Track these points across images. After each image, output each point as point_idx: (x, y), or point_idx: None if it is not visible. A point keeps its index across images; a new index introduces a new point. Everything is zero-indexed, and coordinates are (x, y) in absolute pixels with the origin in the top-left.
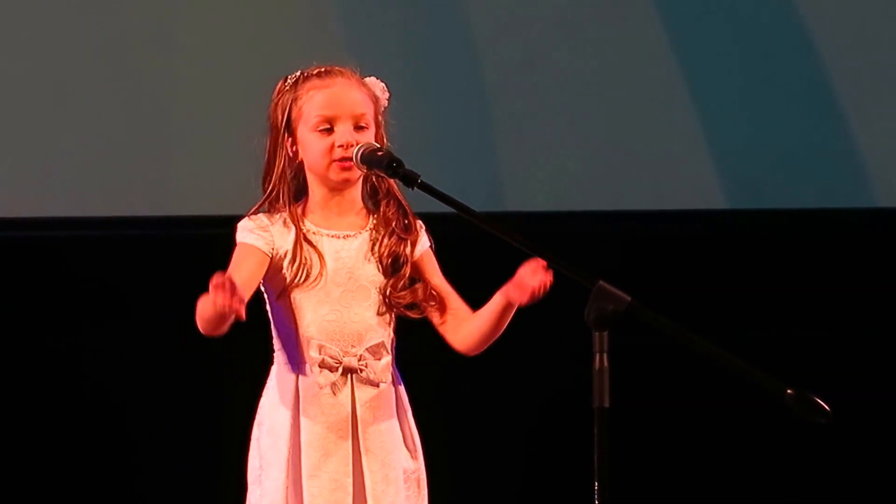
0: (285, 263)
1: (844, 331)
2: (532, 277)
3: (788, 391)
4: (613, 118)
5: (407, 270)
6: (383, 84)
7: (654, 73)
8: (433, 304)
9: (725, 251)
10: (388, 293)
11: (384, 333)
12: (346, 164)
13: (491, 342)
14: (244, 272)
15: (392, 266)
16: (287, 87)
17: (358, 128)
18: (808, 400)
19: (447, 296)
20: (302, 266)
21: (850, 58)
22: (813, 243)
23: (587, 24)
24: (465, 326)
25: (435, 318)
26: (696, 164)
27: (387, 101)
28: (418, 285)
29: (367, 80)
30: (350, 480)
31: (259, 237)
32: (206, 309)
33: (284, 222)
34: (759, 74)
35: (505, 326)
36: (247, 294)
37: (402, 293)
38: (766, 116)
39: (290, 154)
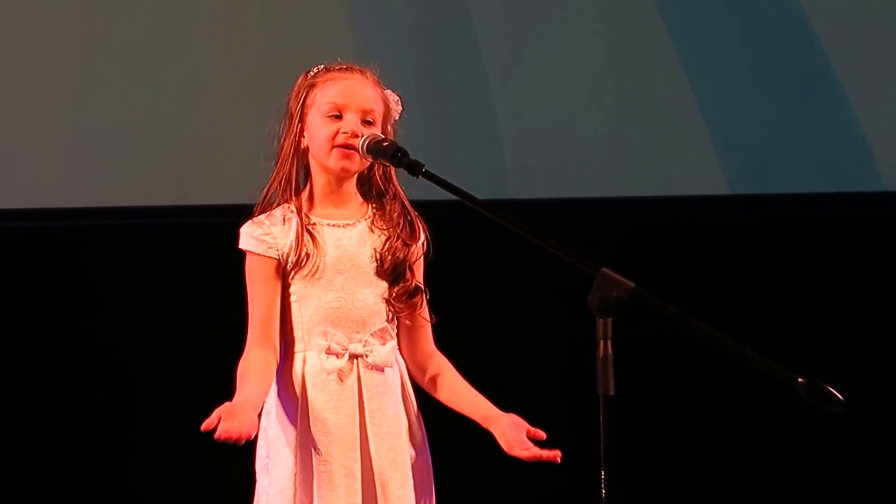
0: (290, 256)
1: (850, 315)
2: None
3: (800, 380)
4: (618, 105)
5: (410, 278)
6: (398, 98)
7: (658, 61)
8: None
9: (730, 237)
10: (391, 300)
11: (388, 319)
12: (347, 151)
13: None
14: (268, 298)
15: (393, 272)
16: (308, 79)
17: (365, 122)
18: (820, 389)
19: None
20: (304, 256)
21: (855, 42)
22: (819, 227)
23: (590, 14)
24: (433, 376)
25: (400, 332)
26: (701, 149)
27: (398, 115)
28: (417, 299)
29: (385, 91)
30: (358, 466)
31: (262, 243)
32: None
33: (284, 218)
34: (763, 59)
35: None
36: (278, 308)
37: (402, 305)
38: (771, 101)
39: (297, 139)
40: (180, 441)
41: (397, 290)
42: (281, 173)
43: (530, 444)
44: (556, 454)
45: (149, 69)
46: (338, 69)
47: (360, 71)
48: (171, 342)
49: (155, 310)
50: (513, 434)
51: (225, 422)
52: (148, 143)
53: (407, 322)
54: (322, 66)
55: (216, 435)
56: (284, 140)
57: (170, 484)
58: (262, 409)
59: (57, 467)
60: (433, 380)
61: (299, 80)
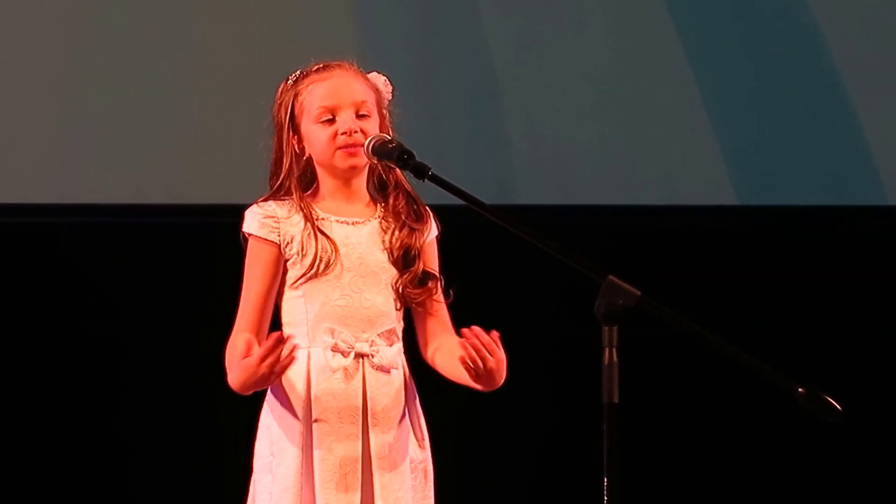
0: (295, 250)
1: (851, 326)
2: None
3: (799, 389)
4: (625, 114)
5: (420, 265)
6: (385, 78)
7: (665, 69)
8: (439, 300)
9: (735, 246)
10: (401, 289)
11: (395, 320)
12: (351, 150)
13: None
14: (263, 284)
15: (403, 259)
16: (288, 87)
17: (359, 115)
18: (819, 398)
19: (439, 316)
20: (313, 252)
21: (858, 55)
22: (822, 240)
23: (599, 21)
24: (442, 359)
25: (419, 327)
26: (707, 160)
27: (390, 95)
28: (432, 282)
29: (370, 75)
30: (359, 465)
31: (264, 225)
32: (250, 374)
33: (293, 208)
34: (768, 72)
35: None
36: (272, 298)
37: (416, 290)
38: (776, 113)
39: (297, 150)
40: (175, 440)
41: (408, 277)
42: (283, 188)
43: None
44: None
45: (141, 63)
46: (316, 70)
47: (339, 66)
48: (162, 342)
49: (145, 309)
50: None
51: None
52: (140, 140)
53: (420, 310)
54: (299, 71)
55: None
56: (281, 153)
57: (165, 482)
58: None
59: (49, 466)
60: (440, 355)
61: (280, 90)
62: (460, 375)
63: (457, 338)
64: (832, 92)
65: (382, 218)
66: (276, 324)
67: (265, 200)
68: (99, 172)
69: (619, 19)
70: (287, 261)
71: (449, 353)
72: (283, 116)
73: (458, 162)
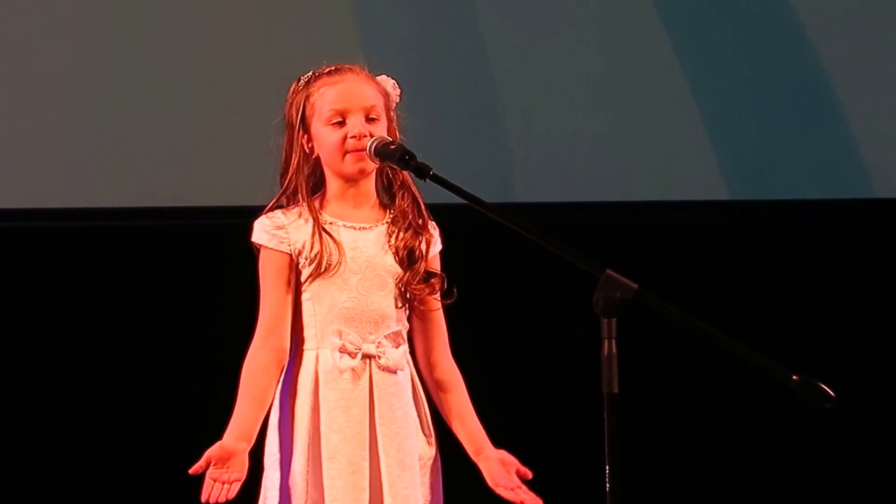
0: (304, 255)
1: (841, 317)
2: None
3: (794, 377)
4: (621, 112)
5: (422, 265)
6: (394, 81)
7: (659, 70)
8: (445, 300)
9: (729, 240)
10: (405, 286)
11: (401, 322)
12: (360, 154)
13: None
14: (278, 294)
15: (408, 259)
16: (300, 87)
17: (369, 119)
18: (813, 386)
19: (433, 319)
20: (321, 255)
21: (848, 53)
22: (812, 233)
23: (595, 22)
24: (443, 390)
25: (415, 329)
26: (701, 156)
27: (398, 98)
28: (435, 280)
29: (379, 78)
30: (367, 464)
31: (274, 237)
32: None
33: (300, 215)
34: (760, 69)
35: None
36: (290, 304)
37: (419, 286)
38: (768, 111)
39: (307, 150)
40: (187, 439)
41: (412, 274)
42: (291, 185)
43: (515, 485)
44: (538, 502)
45: (148, 67)
46: (328, 73)
47: (350, 69)
48: (170, 348)
49: (152, 314)
50: (499, 472)
51: (215, 469)
52: (146, 143)
53: (421, 321)
54: (311, 73)
55: (204, 494)
56: (291, 153)
57: (170, 485)
58: (257, 430)
59: (54, 472)
60: (441, 395)
61: (291, 90)
62: (461, 436)
63: (456, 379)
64: (821, 89)
65: (390, 222)
66: None
67: (273, 205)
68: (109, 176)
69: (614, 21)
70: (297, 262)
71: (455, 410)
72: (294, 116)
73: (458, 162)
